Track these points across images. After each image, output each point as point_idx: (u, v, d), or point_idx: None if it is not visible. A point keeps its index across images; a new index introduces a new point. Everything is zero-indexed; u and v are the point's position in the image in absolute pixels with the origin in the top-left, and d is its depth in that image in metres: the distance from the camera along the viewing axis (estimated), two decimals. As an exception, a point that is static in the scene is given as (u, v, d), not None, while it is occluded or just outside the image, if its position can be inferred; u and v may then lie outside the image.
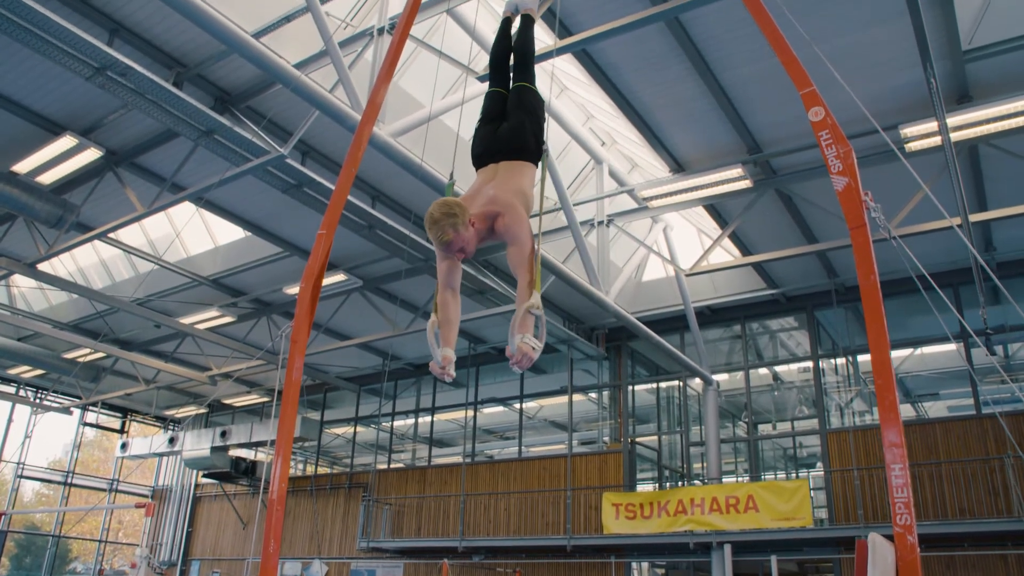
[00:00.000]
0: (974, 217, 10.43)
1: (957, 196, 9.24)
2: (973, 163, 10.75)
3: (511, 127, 4.05)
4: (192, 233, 14.83)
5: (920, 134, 9.40)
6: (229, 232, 14.52)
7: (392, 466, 19.87)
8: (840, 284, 14.32)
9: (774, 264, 13.95)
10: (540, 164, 4.07)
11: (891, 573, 1.99)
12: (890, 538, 2.13)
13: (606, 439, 16.75)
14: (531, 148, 4.01)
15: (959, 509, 12.35)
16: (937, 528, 11.85)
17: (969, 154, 10.49)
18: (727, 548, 13.03)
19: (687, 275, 13.01)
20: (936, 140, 9.26)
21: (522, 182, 3.87)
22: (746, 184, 10.97)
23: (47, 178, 11.35)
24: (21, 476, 22.09)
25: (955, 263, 12.83)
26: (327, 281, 13.57)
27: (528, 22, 4.79)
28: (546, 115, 4.38)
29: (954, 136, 9.10)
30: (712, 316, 15.76)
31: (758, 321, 16.09)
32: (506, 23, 4.89)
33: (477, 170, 4.02)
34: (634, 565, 15.61)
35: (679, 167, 11.42)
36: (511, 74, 4.45)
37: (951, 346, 15.40)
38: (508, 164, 3.91)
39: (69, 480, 23.23)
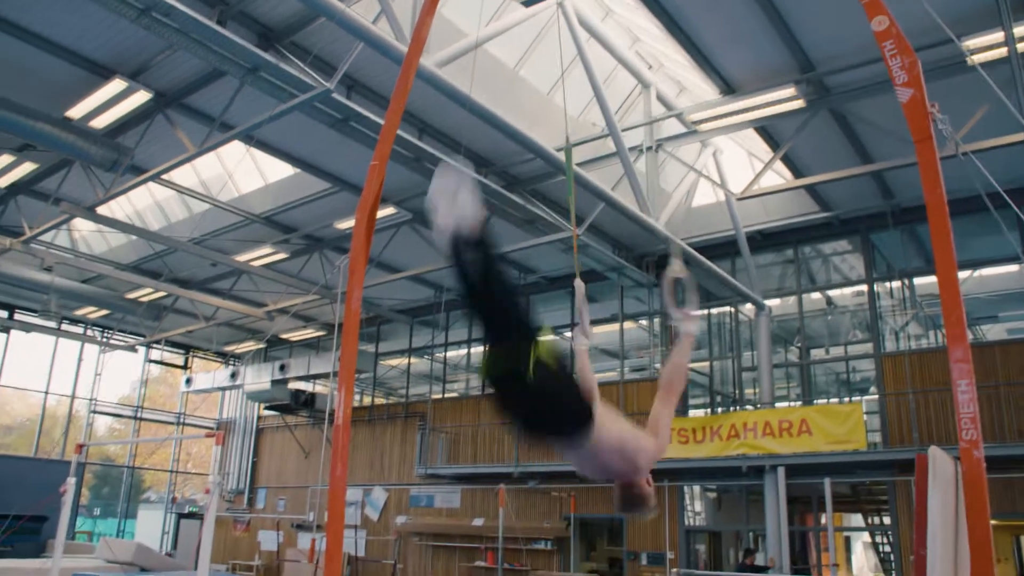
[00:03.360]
0: (1041, 130, 10.00)
1: (1023, 108, 8.86)
2: (1040, 75, 10.25)
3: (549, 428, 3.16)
4: (243, 172, 15.01)
5: (985, 45, 8.99)
6: (279, 169, 14.66)
7: (447, 396, 20.27)
8: (896, 205, 13.95)
9: (827, 186, 13.63)
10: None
11: (951, 486, 2.00)
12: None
13: (657, 366, 16.81)
14: (585, 416, 3.10)
15: (1018, 432, 12.19)
16: (996, 451, 11.71)
17: (1036, 66, 10.01)
18: (780, 471, 13.09)
19: (738, 199, 12.79)
20: (1002, 51, 8.85)
21: (611, 456, 3.21)
22: (799, 104, 10.68)
23: (100, 122, 11.54)
24: (94, 412, 23.11)
25: (1015, 181, 12.36)
26: (378, 215, 13.67)
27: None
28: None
29: (1021, 47, 8.70)
30: (764, 241, 15.53)
31: (811, 245, 15.80)
32: None
33: None
34: (686, 489, 15.82)
35: (729, 89, 11.13)
36: None
37: (1011, 268, 14.99)
38: (582, 449, 3.16)
39: (139, 415, 24.24)
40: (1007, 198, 3.47)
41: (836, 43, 10.00)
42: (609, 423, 3.10)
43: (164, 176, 13.31)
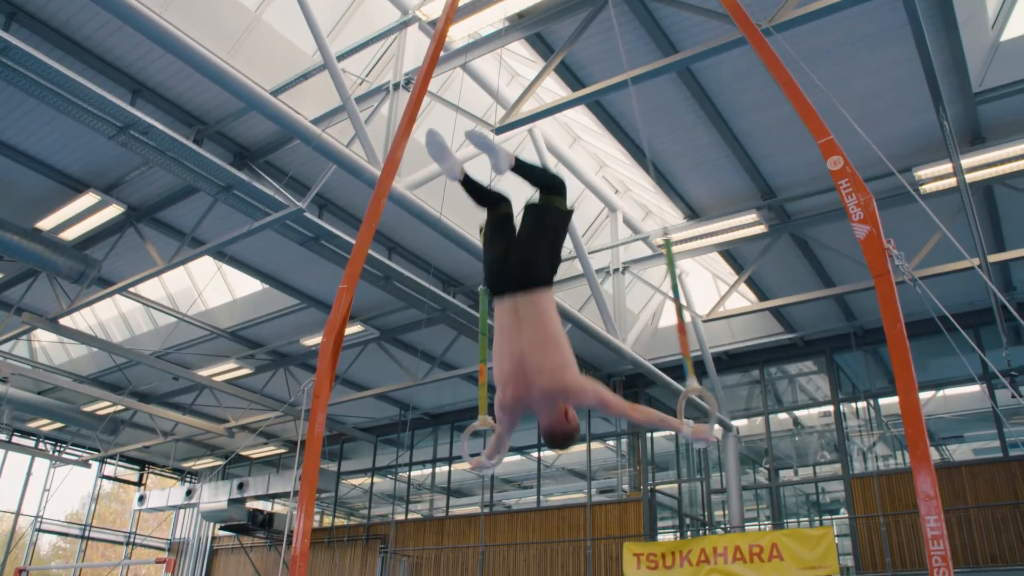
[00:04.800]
0: (993, 258, 10.39)
1: (975, 236, 9.22)
2: (989, 204, 10.74)
3: (524, 257, 3.81)
4: (210, 286, 14.97)
5: (935, 176, 9.42)
6: (247, 285, 14.65)
7: (410, 516, 19.67)
8: (859, 327, 14.23)
9: (791, 308, 13.89)
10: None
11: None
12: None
13: (625, 487, 16.55)
14: (547, 274, 3.84)
15: (990, 556, 12.07)
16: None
17: (984, 195, 10.49)
18: (752, 599, 12.75)
19: (704, 321, 12.97)
20: (951, 181, 9.27)
21: (549, 330, 3.64)
22: (761, 229, 11.00)
23: (70, 234, 11.52)
24: (39, 530, 22.00)
25: (973, 304, 12.74)
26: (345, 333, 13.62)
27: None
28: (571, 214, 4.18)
29: (969, 177, 9.12)
30: (730, 362, 15.66)
31: (776, 366, 15.95)
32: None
33: (493, 296, 3.82)
34: (657, 617, 15.27)
35: (693, 214, 11.47)
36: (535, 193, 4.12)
37: (974, 388, 15.19)
38: (528, 307, 3.67)
39: (86, 534, 23.12)
40: (955, 323, 3.57)
41: (795, 172, 10.43)
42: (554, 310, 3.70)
43: (131, 289, 13.22)
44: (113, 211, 11.01)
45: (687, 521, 16.22)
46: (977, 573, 11.73)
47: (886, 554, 12.63)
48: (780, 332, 14.76)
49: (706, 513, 15.79)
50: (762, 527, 17.11)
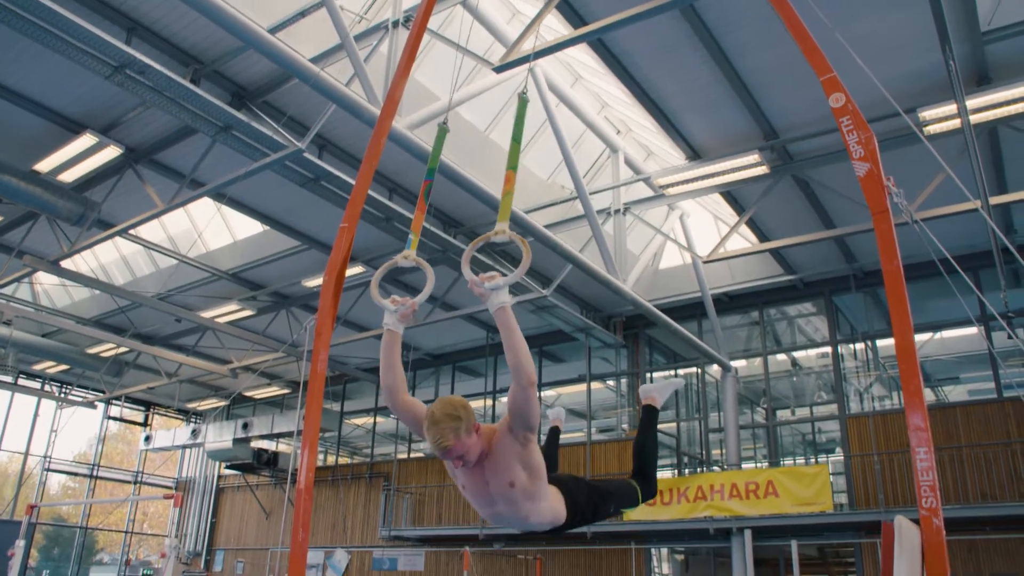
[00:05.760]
0: (995, 200, 10.35)
1: (977, 178, 9.17)
2: (993, 146, 10.66)
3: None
4: (211, 228, 14.96)
5: (939, 117, 9.34)
6: (247, 226, 14.64)
7: (412, 456, 20.01)
8: (858, 269, 14.26)
9: (791, 250, 13.91)
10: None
11: (917, 555, 2.02)
12: (915, 521, 2.16)
13: (625, 426, 16.79)
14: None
15: (980, 493, 12.31)
16: (959, 512, 11.82)
17: (989, 137, 10.42)
18: (747, 533, 13.05)
19: (704, 262, 12.99)
20: (955, 123, 9.19)
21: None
22: (763, 170, 10.95)
23: (68, 176, 11.49)
24: (48, 469, 22.40)
25: (973, 247, 12.74)
26: (346, 274, 13.66)
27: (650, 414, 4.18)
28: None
29: (973, 118, 9.03)
30: (730, 303, 15.74)
31: (776, 307, 16.04)
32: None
33: None
34: (654, 551, 15.67)
35: (695, 154, 11.40)
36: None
37: (971, 330, 15.31)
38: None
39: (94, 473, 23.55)
40: (955, 264, 3.57)
41: (798, 112, 10.33)
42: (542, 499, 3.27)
43: (131, 231, 13.22)
44: (111, 152, 10.95)
45: (685, 459, 16.50)
46: (968, 509, 11.98)
47: (879, 491, 12.88)
48: (780, 274, 14.79)
49: (704, 452, 16.06)
50: (759, 466, 17.38)
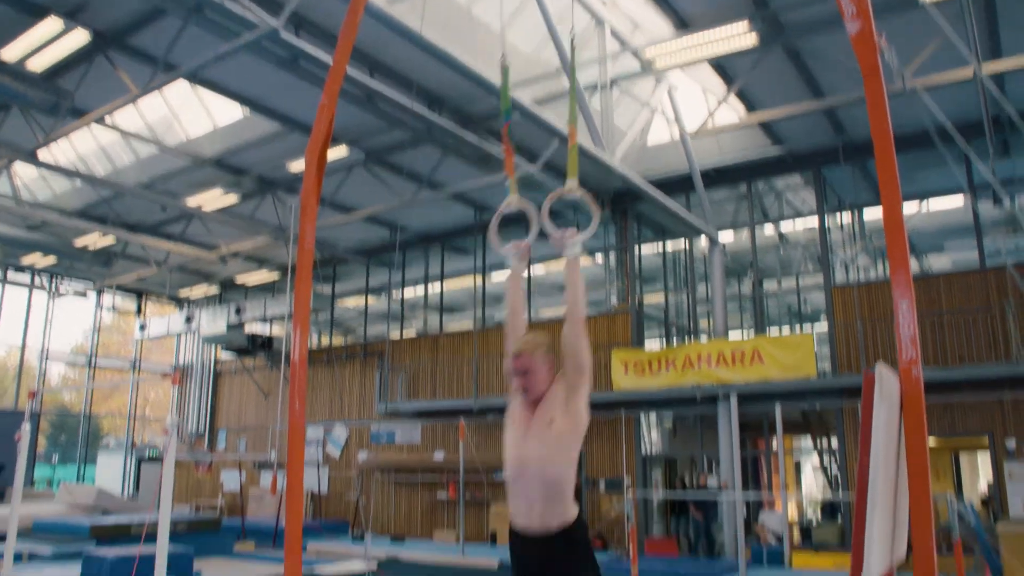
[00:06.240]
0: (988, 67, 10.16)
1: (971, 44, 8.99)
2: (988, 10, 10.36)
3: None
4: (190, 115, 14.62)
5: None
6: (228, 112, 14.31)
7: (405, 335, 20.36)
8: (848, 141, 14.13)
9: (781, 123, 13.77)
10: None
11: (896, 403, 2.12)
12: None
13: (614, 300, 17.06)
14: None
15: (959, 357, 12.70)
16: (938, 374, 12.22)
17: (985, 2, 10.12)
18: (733, 399, 13.52)
19: (692, 136, 12.87)
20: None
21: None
22: (752, 40, 10.68)
23: (37, 65, 11.13)
24: (47, 360, 22.72)
25: (964, 117, 12.58)
26: (329, 156, 13.49)
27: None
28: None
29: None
30: (718, 177, 15.67)
31: (764, 180, 16.00)
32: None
33: None
34: (643, 418, 16.23)
35: (683, 23, 11.09)
36: None
37: (957, 202, 15.40)
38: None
39: (93, 362, 23.92)
40: (954, 132, 3.53)
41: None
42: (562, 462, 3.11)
43: (108, 119, 12.93)
44: (79, 37, 10.58)
45: (673, 331, 16.87)
46: (946, 371, 12.38)
47: (862, 358, 13.26)
48: (769, 146, 14.69)
49: (691, 323, 16.40)
50: (746, 335, 17.80)
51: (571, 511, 3.05)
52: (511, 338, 3.36)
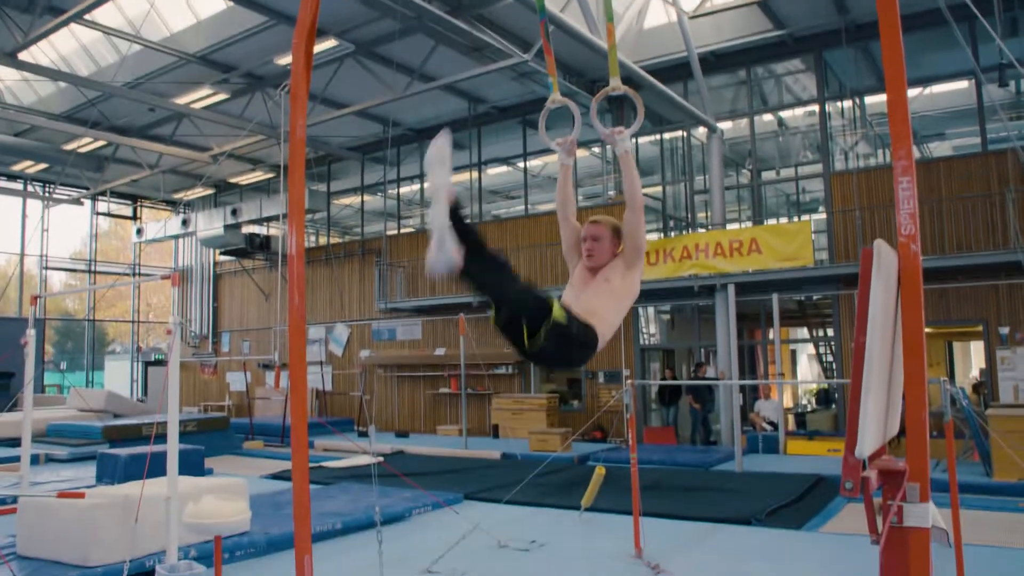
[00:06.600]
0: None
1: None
2: None
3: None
4: (171, 8, 14.11)
5: None
6: (210, 3, 13.81)
7: (402, 231, 20.32)
8: (851, 21, 13.69)
9: (782, 3, 13.33)
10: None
11: (894, 277, 2.11)
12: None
13: (611, 192, 16.93)
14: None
15: (956, 244, 12.68)
16: (934, 262, 12.19)
17: None
18: (730, 289, 13.59)
19: (690, 18, 12.47)
20: None
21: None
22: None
23: (8, -45, 10.68)
24: (46, 268, 22.73)
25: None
26: (318, 48, 13.11)
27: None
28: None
29: None
30: (716, 62, 15.28)
31: (764, 65, 15.60)
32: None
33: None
34: (641, 311, 16.38)
35: (681, -103, 10.59)
36: None
37: (960, 86, 15.04)
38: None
39: (92, 268, 23.95)
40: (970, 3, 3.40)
41: None
42: (602, 317, 3.33)
43: (87, 16, 12.48)
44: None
45: (671, 222, 16.81)
46: (943, 260, 12.36)
47: (859, 246, 13.25)
48: (769, 29, 14.26)
49: (689, 214, 16.33)
50: (743, 226, 17.73)
51: (594, 322, 3.26)
52: (564, 225, 3.73)
